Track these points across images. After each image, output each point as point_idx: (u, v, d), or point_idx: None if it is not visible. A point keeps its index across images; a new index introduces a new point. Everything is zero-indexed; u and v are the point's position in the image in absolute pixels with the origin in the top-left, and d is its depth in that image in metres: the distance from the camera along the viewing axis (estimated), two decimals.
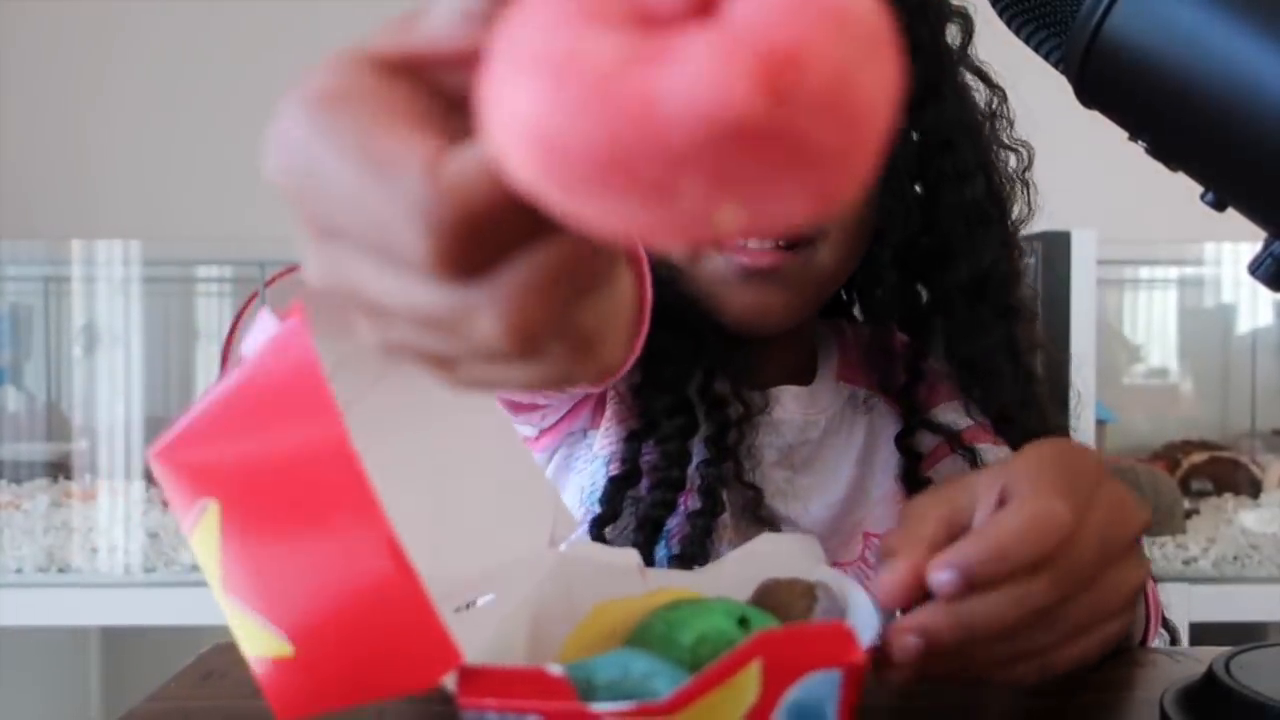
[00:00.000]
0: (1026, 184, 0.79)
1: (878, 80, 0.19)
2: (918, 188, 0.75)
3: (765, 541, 0.51)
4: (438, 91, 0.25)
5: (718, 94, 0.18)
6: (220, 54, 2.20)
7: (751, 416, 0.73)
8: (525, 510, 0.49)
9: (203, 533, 0.35)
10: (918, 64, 0.71)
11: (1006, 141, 0.78)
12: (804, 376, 0.79)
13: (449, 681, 0.33)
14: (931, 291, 0.77)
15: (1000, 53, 0.73)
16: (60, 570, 1.76)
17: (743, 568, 0.48)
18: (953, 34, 0.76)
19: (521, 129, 0.19)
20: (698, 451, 0.72)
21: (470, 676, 0.33)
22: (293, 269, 1.86)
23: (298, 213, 0.30)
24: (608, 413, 0.75)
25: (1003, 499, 0.44)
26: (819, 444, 0.77)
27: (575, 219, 0.20)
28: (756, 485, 0.73)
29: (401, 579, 0.32)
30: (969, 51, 0.77)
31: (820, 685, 0.33)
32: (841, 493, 0.76)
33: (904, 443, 0.77)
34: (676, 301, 0.70)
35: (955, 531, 0.44)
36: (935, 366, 0.79)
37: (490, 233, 0.22)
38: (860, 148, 0.19)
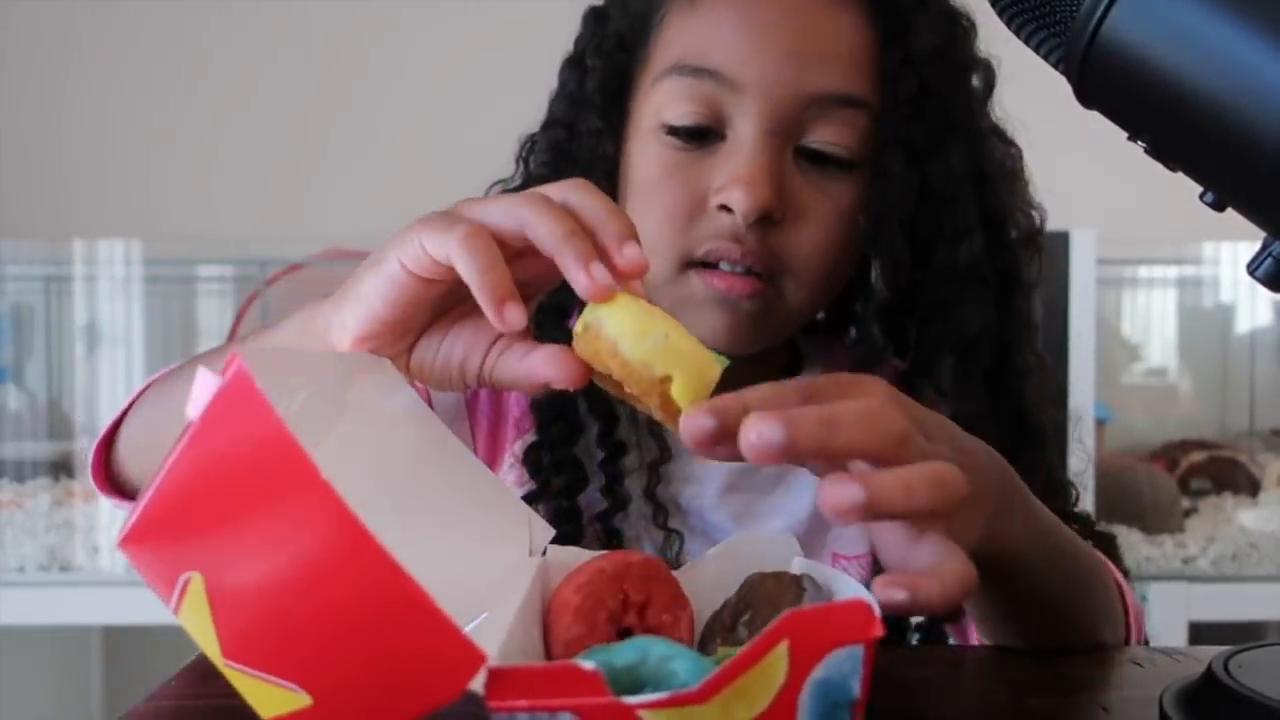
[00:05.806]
0: (1039, 248, 0.76)
1: None
2: (911, 242, 0.70)
3: (744, 539, 0.52)
4: None
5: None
6: (221, 54, 2.20)
7: (666, 457, 0.72)
8: (502, 525, 0.49)
9: (191, 606, 0.34)
10: (927, 112, 0.68)
11: (1020, 202, 0.75)
12: None
13: (477, 684, 0.32)
14: (917, 347, 0.74)
15: (999, 51, 0.72)
16: (62, 569, 1.76)
17: (724, 565, 0.48)
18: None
19: None
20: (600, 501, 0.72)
21: (499, 678, 0.33)
22: (293, 268, 1.86)
23: None
24: (511, 477, 0.74)
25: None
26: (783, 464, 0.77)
27: None
28: (675, 529, 0.72)
29: (407, 591, 0.31)
30: (990, 105, 0.74)
31: (844, 661, 0.33)
32: (804, 513, 0.74)
33: None
34: None
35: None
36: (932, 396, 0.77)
37: None
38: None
